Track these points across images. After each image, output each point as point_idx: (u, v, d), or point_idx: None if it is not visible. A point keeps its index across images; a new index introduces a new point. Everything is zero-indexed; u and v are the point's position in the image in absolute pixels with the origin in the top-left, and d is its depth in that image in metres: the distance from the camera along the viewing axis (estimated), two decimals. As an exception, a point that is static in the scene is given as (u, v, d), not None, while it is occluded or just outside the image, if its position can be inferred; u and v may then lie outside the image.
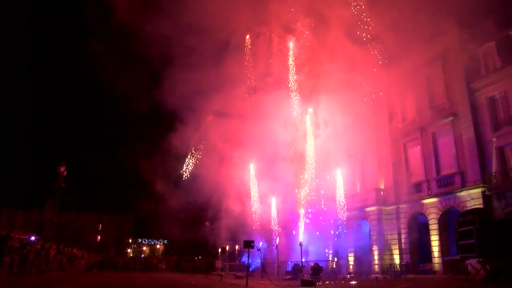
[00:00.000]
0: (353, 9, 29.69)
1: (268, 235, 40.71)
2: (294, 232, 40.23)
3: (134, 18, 36.02)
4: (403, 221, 30.91)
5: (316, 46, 34.93)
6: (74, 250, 36.47)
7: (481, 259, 15.51)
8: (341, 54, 31.95)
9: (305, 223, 39.64)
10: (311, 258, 34.71)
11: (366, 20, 29.22)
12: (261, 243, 36.50)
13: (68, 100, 79.48)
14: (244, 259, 37.56)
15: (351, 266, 33.47)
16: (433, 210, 28.42)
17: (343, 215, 35.09)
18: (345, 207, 34.83)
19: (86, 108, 75.07)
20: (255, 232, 39.49)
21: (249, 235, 36.08)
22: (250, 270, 32.50)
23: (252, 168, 41.63)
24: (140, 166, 54.20)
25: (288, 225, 42.84)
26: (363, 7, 29.66)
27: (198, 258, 58.67)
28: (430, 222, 28.45)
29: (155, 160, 48.27)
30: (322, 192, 39.03)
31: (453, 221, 25.70)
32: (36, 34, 63.95)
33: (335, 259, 35.09)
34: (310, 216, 39.29)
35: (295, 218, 40.91)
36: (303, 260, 29.03)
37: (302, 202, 40.28)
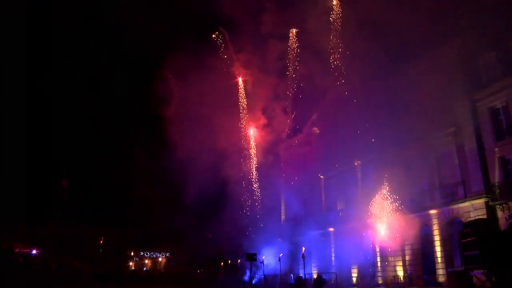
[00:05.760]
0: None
1: (271, 247, 40.51)
2: (296, 244, 39.98)
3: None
4: (406, 232, 30.63)
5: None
6: (75, 263, 36.30)
7: (486, 271, 15.37)
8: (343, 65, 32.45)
9: (308, 235, 39.46)
10: (314, 270, 34.47)
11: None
12: (263, 256, 36.24)
13: (71, 110, 79.12)
14: (247, 271, 37.30)
15: (354, 278, 33.13)
16: (436, 220, 28.22)
17: (345, 226, 34.90)
18: (348, 218, 34.66)
19: (88, 118, 74.46)
20: (258, 244, 39.28)
21: (252, 248, 35.88)
22: (253, 282, 32.26)
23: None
24: (141, 177, 54.14)
25: (291, 237, 42.61)
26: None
27: (200, 271, 58.22)
28: (434, 233, 28.23)
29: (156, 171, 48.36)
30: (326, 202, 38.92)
31: (457, 232, 25.65)
32: (36, 36, 63.97)
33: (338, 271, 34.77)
34: (312, 227, 39.15)
35: (297, 231, 40.75)
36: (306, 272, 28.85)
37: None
